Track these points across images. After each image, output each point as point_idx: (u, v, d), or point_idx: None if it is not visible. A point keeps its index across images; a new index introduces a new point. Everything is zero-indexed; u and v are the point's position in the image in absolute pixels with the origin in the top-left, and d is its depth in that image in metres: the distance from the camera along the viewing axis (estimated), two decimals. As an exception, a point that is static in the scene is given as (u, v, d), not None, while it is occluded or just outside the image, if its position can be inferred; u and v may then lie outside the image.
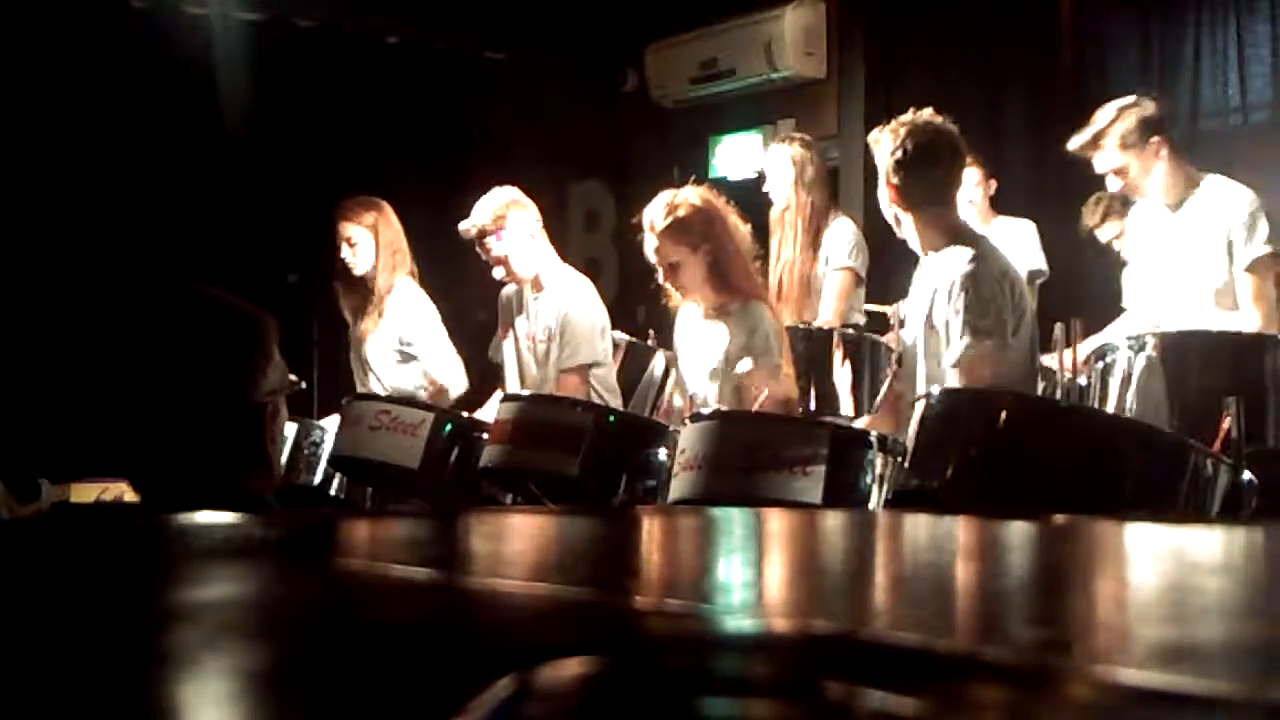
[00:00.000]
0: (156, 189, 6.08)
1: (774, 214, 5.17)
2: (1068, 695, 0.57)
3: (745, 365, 3.86)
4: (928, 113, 3.54)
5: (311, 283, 5.75)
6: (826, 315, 5.03)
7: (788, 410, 3.89)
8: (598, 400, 4.42)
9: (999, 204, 5.45)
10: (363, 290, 5.04)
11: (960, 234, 3.55)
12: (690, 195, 3.99)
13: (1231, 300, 3.92)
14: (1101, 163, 4.03)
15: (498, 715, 0.54)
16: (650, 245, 3.95)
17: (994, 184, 5.42)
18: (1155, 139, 3.98)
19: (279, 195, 6.30)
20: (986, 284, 3.37)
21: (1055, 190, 5.80)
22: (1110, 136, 3.98)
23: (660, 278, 3.99)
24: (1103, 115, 4.03)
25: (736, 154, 7.01)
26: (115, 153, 6.02)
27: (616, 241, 7.38)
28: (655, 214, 3.93)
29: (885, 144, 3.50)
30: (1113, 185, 4.09)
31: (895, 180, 3.48)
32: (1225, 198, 3.97)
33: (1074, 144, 4.07)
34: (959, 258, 3.42)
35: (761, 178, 5.33)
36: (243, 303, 1.97)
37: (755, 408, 3.76)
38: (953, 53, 6.33)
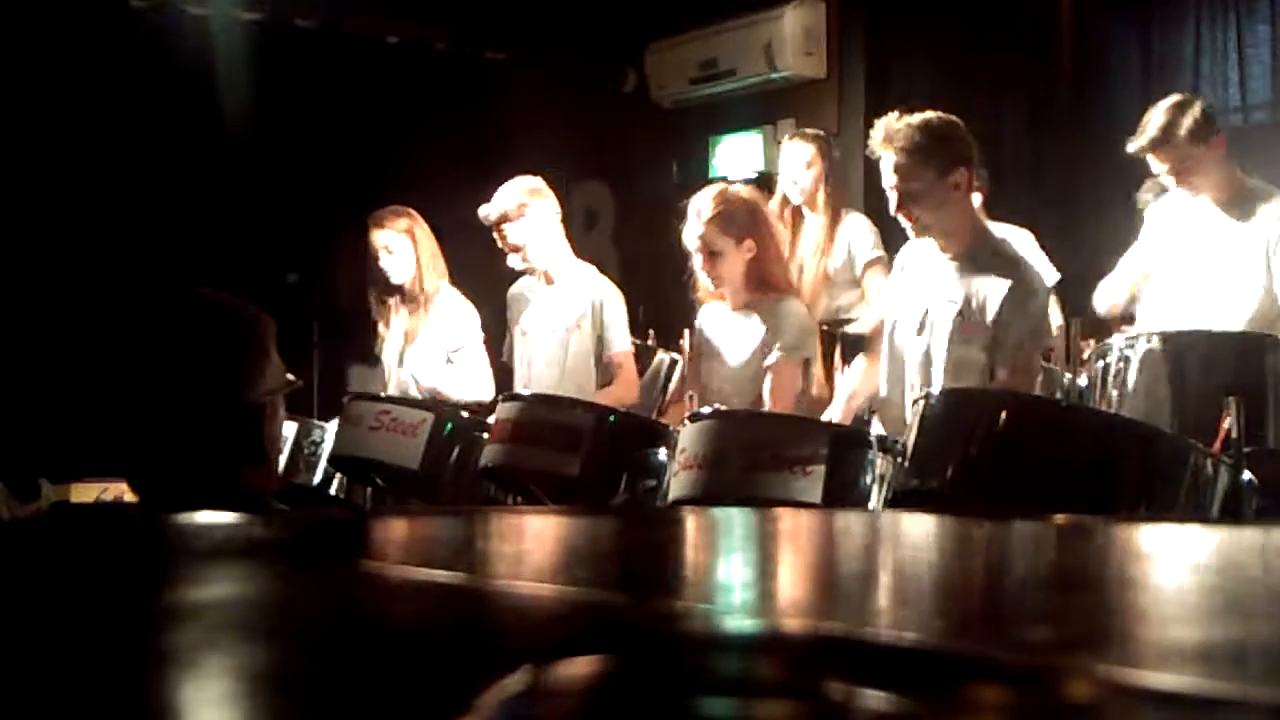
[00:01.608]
0: (156, 189, 6.08)
1: (782, 208, 5.13)
2: (1069, 696, 0.57)
3: (773, 358, 3.86)
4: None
5: (311, 283, 5.75)
6: (879, 313, 4.99)
7: (818, 412, 3.89)
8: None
9: (997, 207, 5.44)
10: (401, 297, 5.00)
11: (988, 235, 3.59)
12: (739, 189, 4.08)
13: (1264, 310, 3.87)
14: (1165, 160, 3.94)
15: (504, 714, 0.54)
16: (693, 232, 3.95)
17: (979, 196, 5.38)
18: (1218, 133, 3.95)
19: (279, 195, 6.30)
20: (1041, 295, 3.51)
21: (1055, 191, 5.80)
22: (1181, 131, 3.90)
23: (698, 266, 3.98)
24: (1160, 113, 3.94)
25: (736, 154, 7.01)
26: (115, 153, 6.01)
27: (616, 241, 7.38)
28: (703, 203, 3.95)
29: (896, 125, 3.47)
30: (1176, 185, 3.99)
31: (919, 140, 3.43)
32: (1271, 207, 3.92)
33: (1141, 141, 3.95)
34: (1025, 271, 3.51)
35: (762, 177, 5.32)
36: (240, 302, 1.97)
37: (770, 404, 3.77)
38: (952, 53, 6.33)
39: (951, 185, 3.47)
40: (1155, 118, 3.95)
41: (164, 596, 0.90)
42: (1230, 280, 3.91)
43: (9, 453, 5.06)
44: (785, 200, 5.11)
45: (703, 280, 4.00)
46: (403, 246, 4.92)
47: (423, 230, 4.96)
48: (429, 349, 4.97)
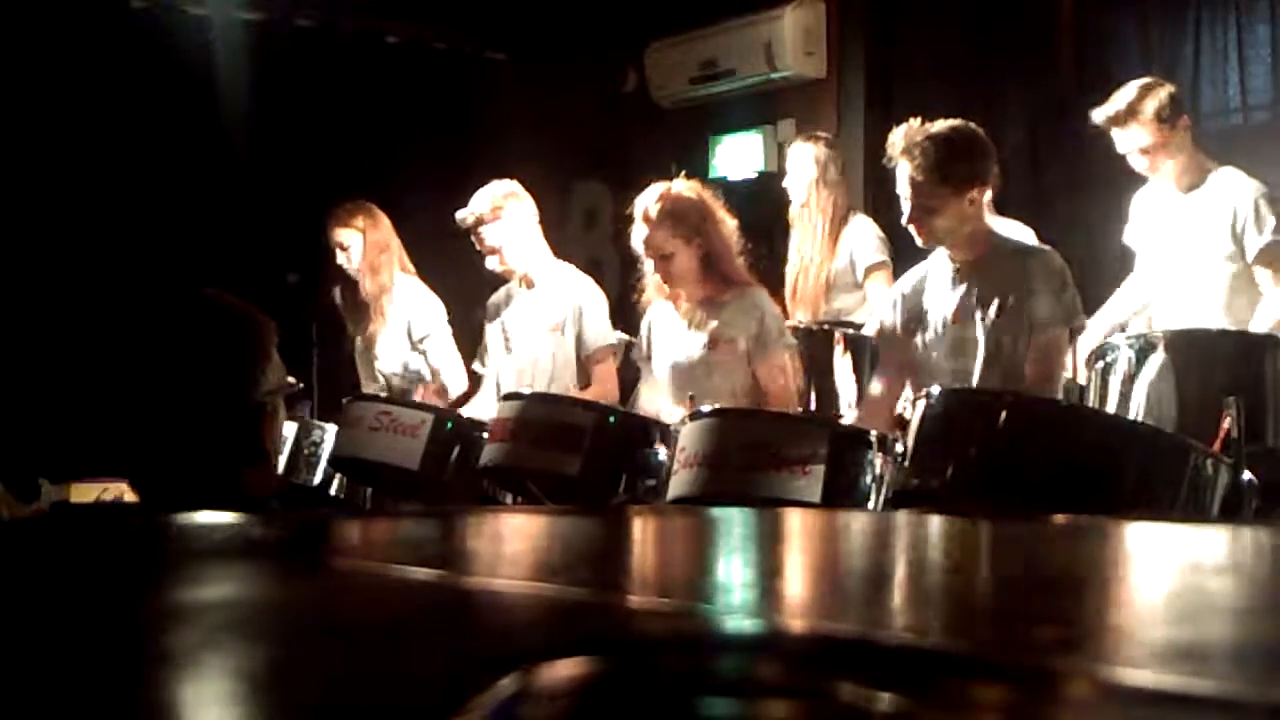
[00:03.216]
0: (156, 189, 6.08)
1: (793, 211, 5.17)
2: (1069, 695, 0.57)
3: (765, 353, 3.86)
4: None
5: (311, 283, 5.75)
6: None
7: (797, 403, 3.90)
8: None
9: (999, 203, 5.44)
10: (360, 293, 5.08)
11: (998, 240, 3.59)
12: (682, 187, 4.02)
13: (1244, 290, 3.93)
14: (1130, 138, 4.03)
15: (499, 715, 0.54)
16: (640, 236, 3.96)
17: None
18: (1184, 118, 4.01)
19: (279, 195, 6.30)
20: (1061, 272, 3.47)
21: (1055, 190, 5.79)
22: (1145, 111, 3.97)
23: (650, 269, 4.00)
24: (1129, 91, 4.02)
25: (736, 154, 7.00)
26: (115, 153, 6.01)
27: (616, 241, 7.38)
28: (648, 204, 3.94)
29: (916, 136, 3.45)
30: (1138, 163, 4.08)
31: (938, 158, 3.40)
32: (1234, 188, 3.99)
33: (1103, 115, 4.04)
34: (1034, 254, 3.54)
35: (762, 177, 5.33)
36: (241, 304, 1.97)
37: (774, 398, 3.78)
38: (952, 53, 6.32)
39: (967, 202, 3.48)
40: (1124, 94, 4.05)
41: (164, 596, 0.90)
42: (1201, 264, 3.97)
43: (9, 453, 5.06)
44: (795, 205, 5.15)
45: (655, 282, 4.02)
46: (356, 243, 4.99)
47: (375, 223, 5.01)
48: (393, 340, 5.02)
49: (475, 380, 4.93)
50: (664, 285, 4.02)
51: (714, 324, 3.94)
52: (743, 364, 3.91)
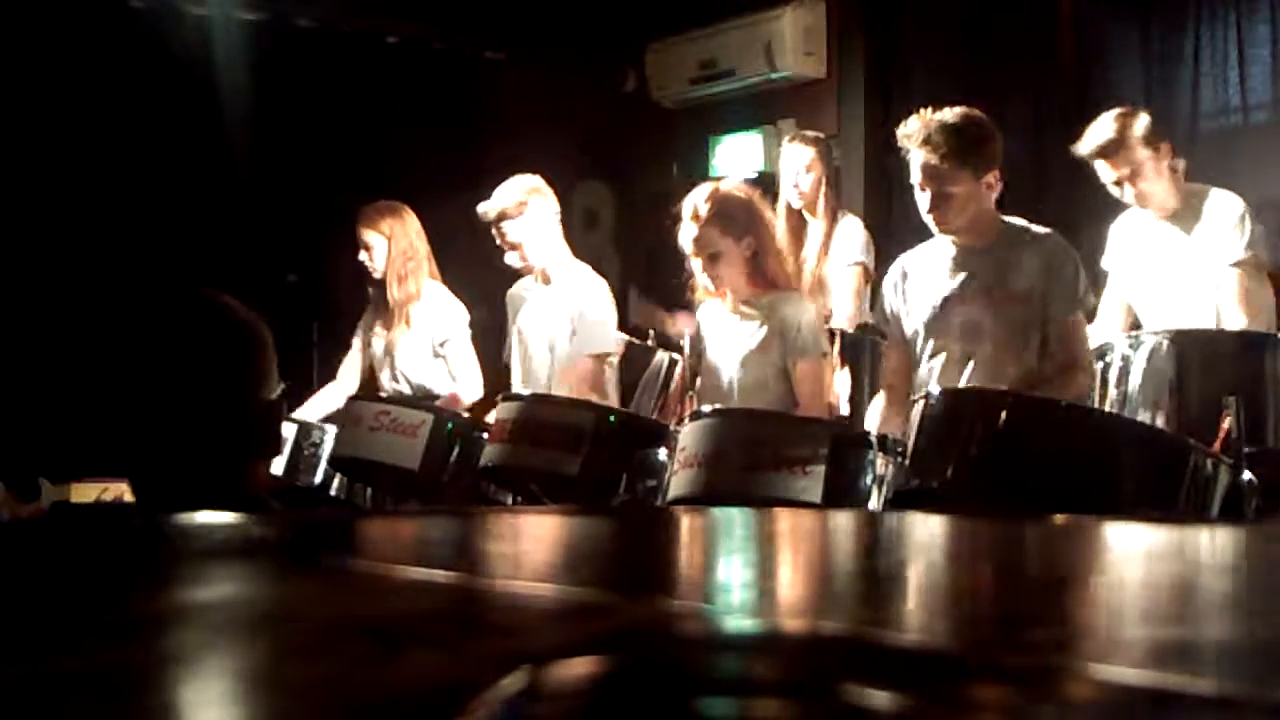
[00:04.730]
0: (156, 189, 6.08)
1: (783, 210, 5.13)
2: (1068, 695, 0.57)
3: (803, 359, 3.82)
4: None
5: (311, 283, 5.75)
6: (845, 312, 4.98)
7: (828, 413, 3.89)
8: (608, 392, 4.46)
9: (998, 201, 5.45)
10: (385, 293, 5.04)
11: (1008, 224, 3.60)
12: (732, 186, 4.03)
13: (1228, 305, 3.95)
14: (1114, 167, 4.00)
15: (502, 714, 0.54)
16: (689, 234, 3.90)
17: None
18: (1165, 144, 3.99)
19: (279, 195, 6.30)
20: (1075, 258, 3.55)
21: (1056, 191, 5.80)
22: (1134, 134, 3.96)
23: (698, 268, 3.95)
24: (1108, 122, 4.00)
25: (736, 154, 7.01)
26: (115, 153, 6.01)
27: (616, 241, 7.38)
28: (698, 203, 3.90)
29: (933, 126, 3.47)
30: (1125, 194, 4.06)
31: (957, 144, 3.44)
32: (1215, 206, 3.99)
33: (1088, 147, 4.02)
34: (1044, 239, 3.57)
35: (762, 178, 5.31)
36: (241, 305, 1.97)
37: (806, 406, 3.76)
38: (953, 53, 6.33)
39: (985, 186, 3.50)
40: (1105, 124, 4.02)
41: (164, 596, 0.90)
42: (1189, 288, 3.97)
43: (9, 453, 5.06)
44: (788, 204, 5.10)
45: (702, 281, 3.97)
46: (381, 244, 4.96)
47: (404, 228, 4.97)
48: (415, 346, 4.99)
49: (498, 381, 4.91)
50: (713, 286, 3.97)
51: (758, 324, 3.90)
52: (780, 366, 3.87)
